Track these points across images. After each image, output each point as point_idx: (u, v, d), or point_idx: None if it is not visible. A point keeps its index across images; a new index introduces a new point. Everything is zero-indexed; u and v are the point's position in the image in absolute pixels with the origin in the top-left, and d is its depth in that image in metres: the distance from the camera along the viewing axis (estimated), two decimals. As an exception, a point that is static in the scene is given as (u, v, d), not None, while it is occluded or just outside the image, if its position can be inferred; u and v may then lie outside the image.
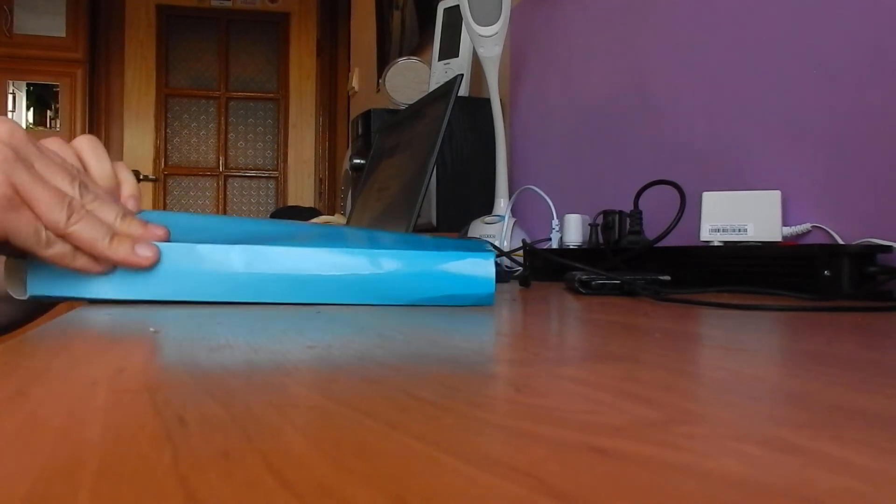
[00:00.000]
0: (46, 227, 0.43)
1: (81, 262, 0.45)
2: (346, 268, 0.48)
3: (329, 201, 4.30)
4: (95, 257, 0.45)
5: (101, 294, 0.46)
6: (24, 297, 0.46)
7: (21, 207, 0.42)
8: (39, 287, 0.46)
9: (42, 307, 0.66)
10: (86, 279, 0.46)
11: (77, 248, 0.44)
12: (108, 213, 0.45)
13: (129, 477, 0.12)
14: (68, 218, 0.43)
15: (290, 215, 2.04)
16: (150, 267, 0.46)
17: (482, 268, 0.49)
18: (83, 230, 0.43)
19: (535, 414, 0.17)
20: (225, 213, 4.35)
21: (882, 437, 0.15)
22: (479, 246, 0.51)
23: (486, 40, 1.21)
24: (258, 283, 0.48)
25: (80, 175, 0.46)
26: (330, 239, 0.51)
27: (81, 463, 0.13)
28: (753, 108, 0.86)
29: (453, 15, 1.54)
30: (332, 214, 1.65)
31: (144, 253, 0.46)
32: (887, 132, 0.69)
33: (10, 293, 0.48)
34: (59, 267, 0.45)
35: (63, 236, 0.43)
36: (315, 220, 1.53)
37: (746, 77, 0.87)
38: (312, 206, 4.12)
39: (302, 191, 4.51)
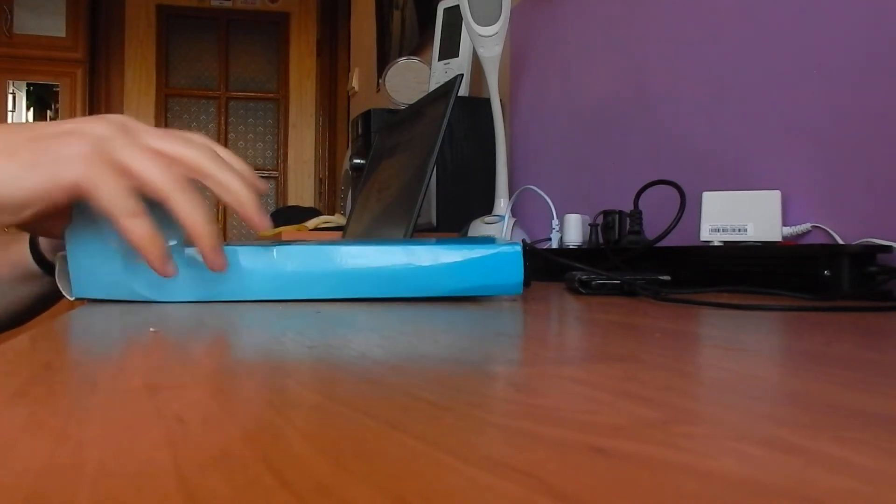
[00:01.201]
0: (144, 186, 0.42)
1: (154, 251, 0.43)
2: (384, 261, 0.50)
3: (329, 201, 4.30)
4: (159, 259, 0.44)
5: (142, 296, 0.48)
6: (71, 298, 0.47)
7: (112, 168, 0.41)
8: (84, 289, 0.47)
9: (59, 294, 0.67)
10: (127, 282, 0.47)
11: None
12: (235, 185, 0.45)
13: (129, 477, 0.12)
14: (174, 183, 0.43)
15: (289, 215, 2.04)
16: (220, 271, 0.47)
17: (511, 258, 0.52)
18: (185, 199, 0.43)
19: (535, 414, 0.17)
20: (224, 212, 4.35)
21: (882, 437, 0.15)
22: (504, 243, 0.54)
23: (486, 40, 1.21)
24: (298, 281, 0.49)
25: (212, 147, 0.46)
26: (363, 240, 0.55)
27: (81, 463, 0.13)
28: (753, 108, 0.86)
29: (453, 15, 1.54)
30: (332, 214, 1.65)
31: (223, 258, 0.46)
32: (887, 132, 0.69)
33: (62, 291, 0.49)
34: (106, 258, 0.46)
35: (163, 198, 0.43)
36: (315, 220, 1.53)
37: (746, 77, 0.87)
38: (312, 206, 4.12)
39: (302, 191, 4.51)
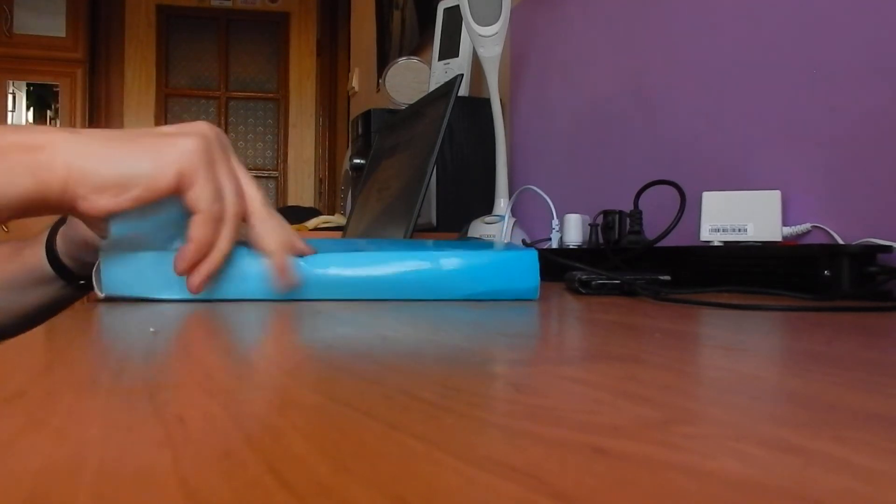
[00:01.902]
0: (226, 204, 0.46)
1: (200, 257, 0.46)
2: (408, 266, 0.52)
3: (329, 201, 4.30)
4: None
5: (171, 295, 0.49)
6: (101, 296, 0.49)
7: (212, 171, 0.45)
8: (114, 287, 0.49)
9: (80, 292, 0.67)
10: (156, 282, 0.49)
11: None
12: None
13: (129, 477, 0.12)
14: (263, 204, 0.48)
15: (290, 215, 2.04)
16: (293, 288, 0.50)
17: (527, 262, 0.53)
18: (269, 219, 0.48)
19: (535, 414, 0.17)
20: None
21: (882, 437, 0.15)
22: (510, 245, 0.55)
23: (486, 40, 1.21)
24: (315, 283, 0.51)
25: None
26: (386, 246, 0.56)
27: (81, 463, 0.13)
28: (753, 108, 0.86)
29: (453, 15, 1.54)
30: (332, 214, 1.65)
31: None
32: (887, 132, 0.69)
33: (95, 289, 0.50)
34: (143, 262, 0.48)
35: (251, 215, 0.48)
36: (315, 220, 1.53)
37: (746, 77, 0.87)
38: (312, 206, 4.12)
39: (302, 191, 4.51)
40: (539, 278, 0.53)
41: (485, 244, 0.56)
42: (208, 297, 0.49)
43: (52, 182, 0.42)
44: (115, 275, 0.49)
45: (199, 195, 0.44)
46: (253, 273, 0.49)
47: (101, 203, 0.43)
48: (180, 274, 0.47)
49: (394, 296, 0.52)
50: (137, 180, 0.43)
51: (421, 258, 0.52)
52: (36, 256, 0.62)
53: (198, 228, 0.45)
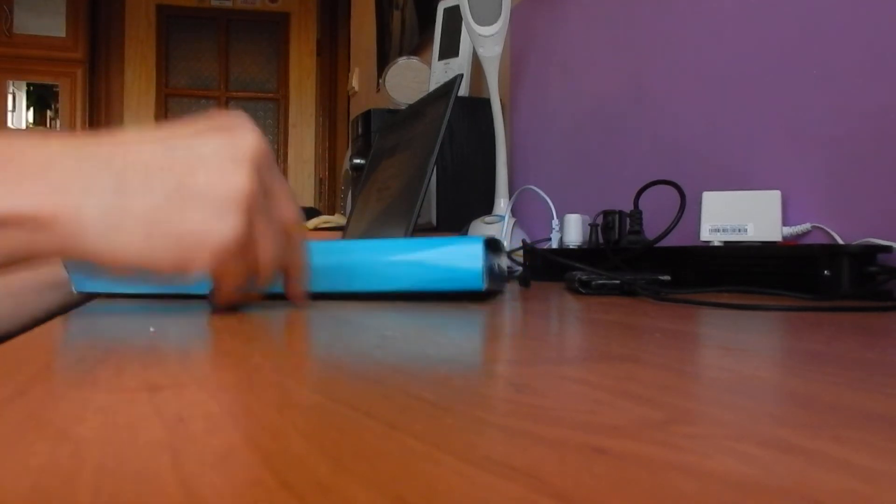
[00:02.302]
0: (260, 265, 0.40)
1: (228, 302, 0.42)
2: (340, 256, 0.52)
3: (329, 201, 4.30)
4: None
5: (139, 289, 0.51)
6: (74, 292, 0.49)
7: (245, 253, 0.38)
8: (84, 284, 0.50)
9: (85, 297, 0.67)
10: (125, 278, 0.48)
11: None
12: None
13: (129, 477, 0.12)
14: (287, 247, 0.42)
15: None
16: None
17: (469, 251, 0.51)
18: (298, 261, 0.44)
19: (535, 414, 0.17)
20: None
21: (882, 437, 0.15)
22: (476, 239, 0.53)
23: (486, 40, 1.21)
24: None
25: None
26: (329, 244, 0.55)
27: (81, 463, 0.13)
28: (753, 108, 0.86)
29: (453, 15, 1.54)
30: (332, 214, 1.65)
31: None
32: (887, 132, 0.69)
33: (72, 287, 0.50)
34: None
35: (276, 266, 0.41)
36: (315, 220, 1.53)
37: (746, 77, 0.87)
38: (312, 206, 4.12)
39: (302, 191, 4.51)
40: (482, 267, 0.51)
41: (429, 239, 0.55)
42: (182, 290, 0.50)
43: (41, 254, 0.34)
44: (83, 272, 0.50)
45: (227, 292, 0.40)
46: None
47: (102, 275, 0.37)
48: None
49: (331, 287, 0.51)
50: (152, 272, 0.36)
51: (358, 248, 0.52)
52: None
53: (222, 296, 0.41)
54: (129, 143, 0.35)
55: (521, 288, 0.72)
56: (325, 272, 0.51)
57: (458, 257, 0.51)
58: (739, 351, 0.29)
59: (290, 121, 4.53)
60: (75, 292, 0.50)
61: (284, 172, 4.48)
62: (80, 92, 4.09)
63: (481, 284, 0.51)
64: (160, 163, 0.35)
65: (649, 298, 0.57)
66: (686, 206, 0.78)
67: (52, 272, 0.62)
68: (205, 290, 0.49)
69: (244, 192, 0.36)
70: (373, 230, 0.98)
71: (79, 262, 0.47)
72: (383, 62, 2.62)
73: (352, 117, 2.14)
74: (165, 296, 0.51)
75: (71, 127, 4.04)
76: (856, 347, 0.30)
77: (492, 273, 0.54)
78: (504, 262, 0.63)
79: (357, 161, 1.44)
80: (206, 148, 0.37)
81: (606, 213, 0.92)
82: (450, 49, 1.54)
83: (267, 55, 4.54)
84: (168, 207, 0.35)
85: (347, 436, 0.15)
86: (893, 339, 0.34)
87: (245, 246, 0.37)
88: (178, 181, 0.35)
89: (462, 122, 1.37)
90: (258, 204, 0.38)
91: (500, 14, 1.20)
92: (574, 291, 0.65)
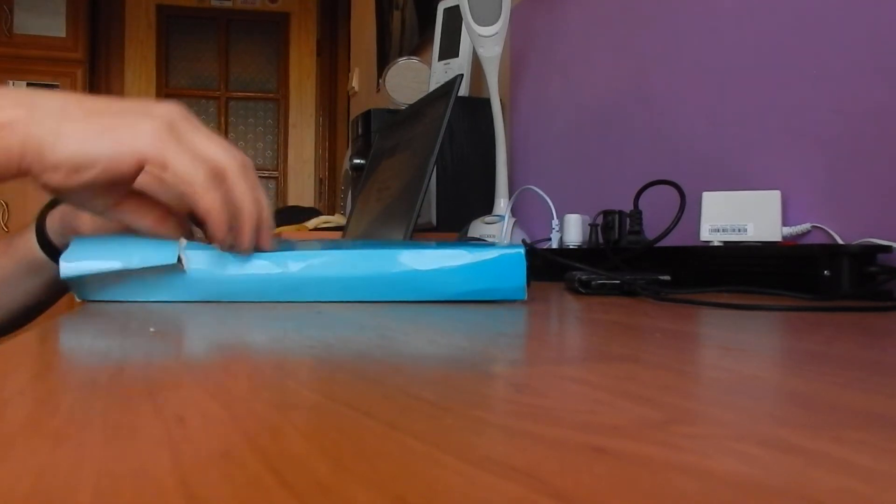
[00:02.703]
0: (209, 164, 0.44)
1: (222, 223, 0.45)
2: (385, 266, 0.50)
3: (329, 201, 4.30)
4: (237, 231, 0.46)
5: (140, 297, 0.49)
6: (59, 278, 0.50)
7: (183, 145, 0.43)
8: (86, 293, 0.49)
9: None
10: (126, 285, 0.48)
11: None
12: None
13: (129, 477, 0.12)
14: (241, 169, 0.45)
15: (290, 215, 2.04)
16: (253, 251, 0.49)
17: (513, 260, 0.51)
18: (250, 191, 0.46)
19: (535, 414, 0.17)
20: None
21: (882, 437, 0.15)
22: (517, 249, 0.53)
23: (486, 40, 1.21)
24: (301, 283, 0.49)
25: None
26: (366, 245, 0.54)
27: (81, 463, 0.13)
28: (753, 108, 0.86)
29: (453, 15, 1.54)
30: (332, 214, 1.65)
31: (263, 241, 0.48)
32: (887, 132, 0.69)
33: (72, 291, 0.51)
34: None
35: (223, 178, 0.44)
36: (315, 220, 1.53)
37: (747, 77, 0.87)
38: (312, 206, 4.12)
39: (302, 191, 4.51)
40: (526, 278, 0.51)
41: (476, 244, 0.55)
42: (184, 298, 0.49)
43: (10, 160, 0.41)
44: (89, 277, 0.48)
45: (182, 169, 0.43)
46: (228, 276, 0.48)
47: (53, 181, 0.42)
48: (238, 251, 0.46)
49: (372, 297, 0.50)
50: (93, 161, 0.42)
51: (400, 258, 0.51)
52: (27, 245, 0.62)
53: (202, 200, 0.43)
54: (69, 96, 0.44)
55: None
56: (365, 283, 0.50)
57: (504, 268, 0.51)
58: (739, 351, 0.29)
59: (290, 121, 4.52)
60: (78, 300, 0.49)
61: (284, 173, 4.49)
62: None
63: (524, 296, 0.51)
64: (94, 105, 0.44)
65: (649, 298, 0.57)
66: (686, 206, 0.78)
67: (33, 254, 0.62)
68: (209, 298, 0.49)
69: (162, 116, 0.44)
70: (373, 230, 0.98)
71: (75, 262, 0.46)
72: (383, 62, 2.62)
73: (352, 117, 2.13)
74: (165, 302, 0.50)
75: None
76: (856, 347, 0.30)
77: None
78: None
79: (357, 161, 1.44)
80: (130, 105, 0.45)
81: (606, 213, 0.92)
82: (450, 49, 1.54)
83: (267, 55, 4.54)
84: (104, 112, 0.43)
85: (347, 436, 0.15)
86: (893, 339, 0.34)
87: (178, 146, 0.43)
88: (114, 109, 0.44)
89: (462, 122, 1.37)
90: (180, 125, 0.44)
91: (500, 14, 1.20)
92: (574, 291, 0.65)
